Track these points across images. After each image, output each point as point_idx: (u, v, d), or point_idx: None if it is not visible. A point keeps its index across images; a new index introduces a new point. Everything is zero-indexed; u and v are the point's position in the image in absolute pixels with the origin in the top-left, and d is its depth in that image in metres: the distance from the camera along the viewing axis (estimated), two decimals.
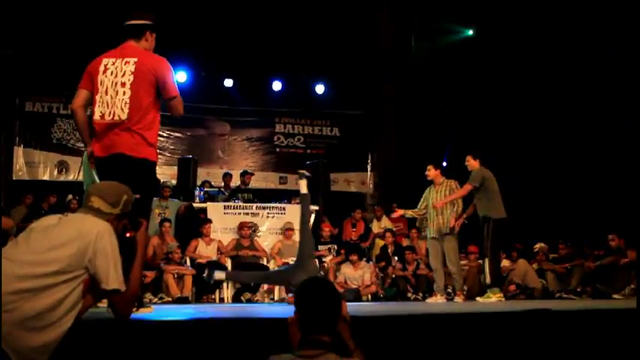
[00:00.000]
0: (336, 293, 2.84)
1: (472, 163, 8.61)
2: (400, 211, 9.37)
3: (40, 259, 2.83)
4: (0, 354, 2.63)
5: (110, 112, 4.19)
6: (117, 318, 3.15)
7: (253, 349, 3.11)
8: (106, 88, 4.22)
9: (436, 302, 8.58)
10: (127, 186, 3.36)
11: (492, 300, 8.08)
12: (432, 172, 8.84)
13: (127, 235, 3.33)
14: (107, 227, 3.06)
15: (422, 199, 9.04)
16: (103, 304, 3.53)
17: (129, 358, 3.19)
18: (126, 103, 4.16)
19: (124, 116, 4.16)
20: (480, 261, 10.06)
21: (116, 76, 4.22)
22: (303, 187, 7.53)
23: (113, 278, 3.00)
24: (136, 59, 4.25)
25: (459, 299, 8.60)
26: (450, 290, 9.26)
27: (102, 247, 2.97)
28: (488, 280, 8.35)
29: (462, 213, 8.63)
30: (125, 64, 4.24)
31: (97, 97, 4.26)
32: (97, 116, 4.25)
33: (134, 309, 3.25)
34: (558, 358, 3.69)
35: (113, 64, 4.27)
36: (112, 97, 4.19)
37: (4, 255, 2.85)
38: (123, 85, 4.19)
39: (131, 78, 4.19)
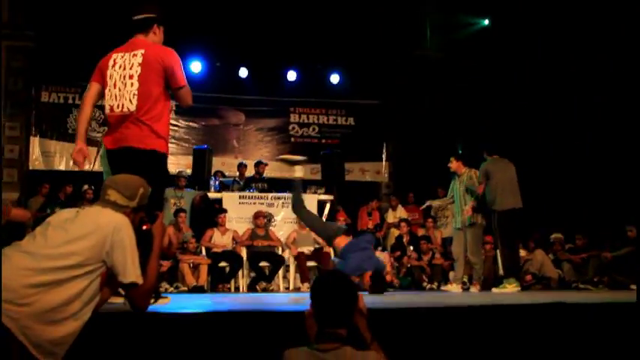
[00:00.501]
0: (352, 286, 2.83)
1: (455, 165, 8.84)
2: (429, 202, 9.69)
3: (57, 253, 2.84)
4: (20, 348, 2.65)
5: (119, 105, 4.22)
6: (134, 311, 3.17)
7: (270, 342, 3.10)
8: (115, 82, 4.25)
9: (451, 291, 8.63)
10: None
11: (508, 290, 8.08)
12: (454, 164, 8.94)
13: (144, 227, 3.34)
14: (124, 220, 3.07)
15: (449, 190, 9.18)
16: (118, 299, 3.56)
17: (146, 350, 3.20)
18: (134, 94, 4.18)
19: (132, 108, 4.17)
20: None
21: (124, 69, 4.25)
22: (298, 171, 7.53)
23: (130, 271, 3.01)
24: (143, 51, 4.26)
25: (474, 289, 8.60)
26: (465, 280, 9.28)
27: (119, 240, 2.98)
28: (501, 271, 8.37)
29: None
30: (133, 57, 4.25)
31: (107, 91, 4.30)
32: (107, 109, 4.30)
33: (151, 301, 3.24)
34: (575, 351, 3.67)
35: (122, 57, 4.30)
36: (120, 90, 4.22)
37: (22, 249, 2.87)
38: (131, 77, 4.21)
39: (139, 70, 4.21)
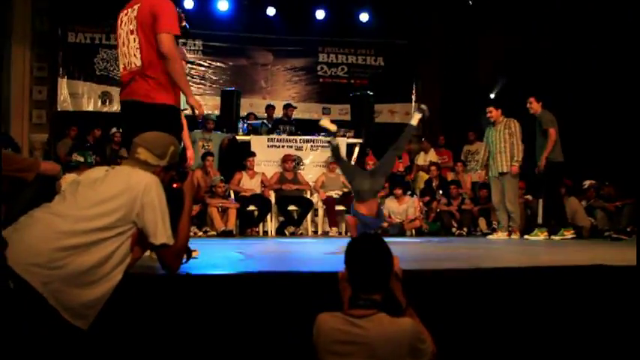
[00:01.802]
0: (386, 250, 2.75)
1: (535, 106, 8.64)
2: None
3: (88, 215, 2.80)
4: (51, 311, 2.63)
5: (129, 62, 4.19)
6: (165, 271, 3.13)
7: (303, 305, 3.06)
8: (123, 40, 4.23)
9: (499, 239, 8.72)
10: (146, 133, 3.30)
11: (540, 238, 8.23)
12: (494, 113, 8.96)
13: (174, 186, 3.28)
14: (154, 180, 3.01)
15: (484, 139, 9.22)
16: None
17: (176, 312, 3.17)
18: (137, 49, 4.12)
19: (138, 63, 4.13)
20: (528, 196, 9.98)
21: (127, 25, 4.21)
22: (415, 119, 7.48)
23: (161, 232, 2.96)
24: (139, 4, 4.17)
25: (515, 236, 8.69)
26: (495, 226, 9.54)
27: (149, 200, 2.93)
28: (540, 220, 8.60)
29: (520, 155, 8.70)
30: (132, 12, 4.20)
31: (119, 51, 4.29)
32: (121, 69, 4.29)
33: (183, 261, 3.20)
34: (613, 313, 3.59)
35: (126, 15, 4.25)
36: (126, 47, 4.19)
37: (51, 210, 2.83)
38: (132, 32, 4.16)
39: (136, 24, 4.14)
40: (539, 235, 8.29)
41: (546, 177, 8.41)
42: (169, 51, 4.02)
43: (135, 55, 4.13)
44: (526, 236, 8.51)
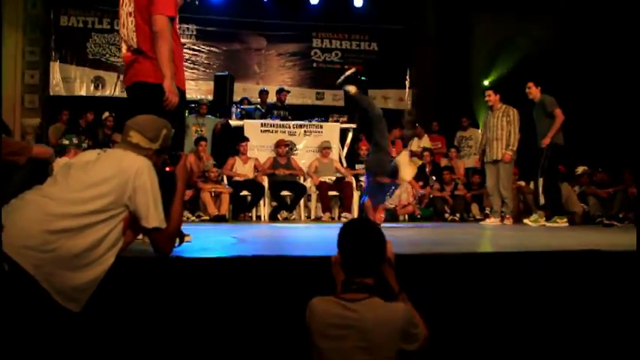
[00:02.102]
0: (379, 234, 2.75)
1: (534, 91, 8.62)
2: None
3: (80, 198, 2.79)
4: (43, 294, 2.62)
5: (128, 43, 4.17)
6: (158, 254, 3.12)
7: (296, 289, 3.06)
8: (122, 21, 4.20)
9: (492, 224, 8.71)
10: (151, 114, 3.28)
11: (541, 223, 8.28)
12: (492, 98, 8.96)
13: (167, 169, 3.27)
14: (146, 163, 2.99)
15: (481, 124, 9.30)
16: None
17: (169, 295, 3.17)
18: (133, 30, 4.10)
19: (135, 45, 4.10)
20: (521, 182, 9.99)
21: (126, 7, 4.17)
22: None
23: (154, 216, 2.96)
24: None
25: (508, 222, 8.70)
26: (487, 212, 9.56)
27: (141, 184, 2.92)
28: (542, 201, 8.53)
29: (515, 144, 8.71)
30: None
31: (120, 32, 4.26)
32: (123, 50, 4.26)
33: (176, 244, 3.20)
34: (605, 298, 3.61)
35: None
36: (126, 28, 4.16)
37: (43, 193, 2.82)
38: (130, 14, 4.13)
39: (133, 6, 4.11)
40: (540, 221, 8.29)
41: (548, 159, 8.36)
42: (161, 31, 3.97)
43: (132, 37, 4.10)
44: (525, 220, 8.52)
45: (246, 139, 10.22)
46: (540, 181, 8.45)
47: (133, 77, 4.15)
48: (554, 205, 8.43)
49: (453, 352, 3.29)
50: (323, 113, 11.63)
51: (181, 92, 4.15)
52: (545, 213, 8.41)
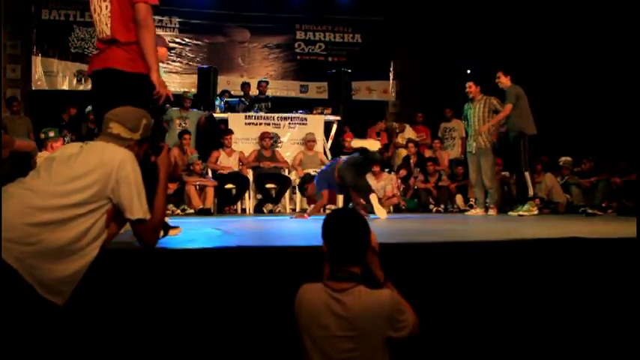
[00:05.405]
0: (364, 224, 2.76)
1: (503, 80, 8.64)
2: None
3: (62, 191, 2.77)
4: (26, 287, 2.60)
5: (101, 30, 4.01)
6: (143, 246, 3.11)
7: (283, 278, 3.06)
8: (94, 7, 4.04)
9: (476, 215, 8.77)
10: (126, 103, 3.25)
11: (534, 213, 8.32)
12: (472, 89, 8.94)
13: (150, 160, 3.25)
14: (129, 155, 2.98)
15: (463, 115, 9.28)
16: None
17: (155, 286, 3.16)
18: (108, 17, 3.96)
19: (108, 32, 3.96)
20: (505, 173, 10.01)
21: None
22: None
23: (137, 207, 2.95)
24: None
25: (492, 212, 8.76)
26: (472, 203, 9.63)
27: (124, 175, 2.90)
28: (531, 192, 8.53)
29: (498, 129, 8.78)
30: None
31: (93, 19, 4.10)
32: (97, 37, 4.11)
33: (160, 235, 3.18)
34: (591, 285, 3.64)
35: None
36: (98, 15, 4.01)
37: (25, 186, 2.79)
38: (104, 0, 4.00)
39: None
40: (533, 210, 8.31)
41: (525, 150, 8.45)
42: (144, 19, 3.89)
43: (106, 24, 3.96)
44: (515, 212, 8.45)
45: (231, 132, 10.19)
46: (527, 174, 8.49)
47: (103, 62, 3.99)
48: (521, 195, 8.54)
49: (436, 340, 3.30)
50: (307, 105, 11.63)
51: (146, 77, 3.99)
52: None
